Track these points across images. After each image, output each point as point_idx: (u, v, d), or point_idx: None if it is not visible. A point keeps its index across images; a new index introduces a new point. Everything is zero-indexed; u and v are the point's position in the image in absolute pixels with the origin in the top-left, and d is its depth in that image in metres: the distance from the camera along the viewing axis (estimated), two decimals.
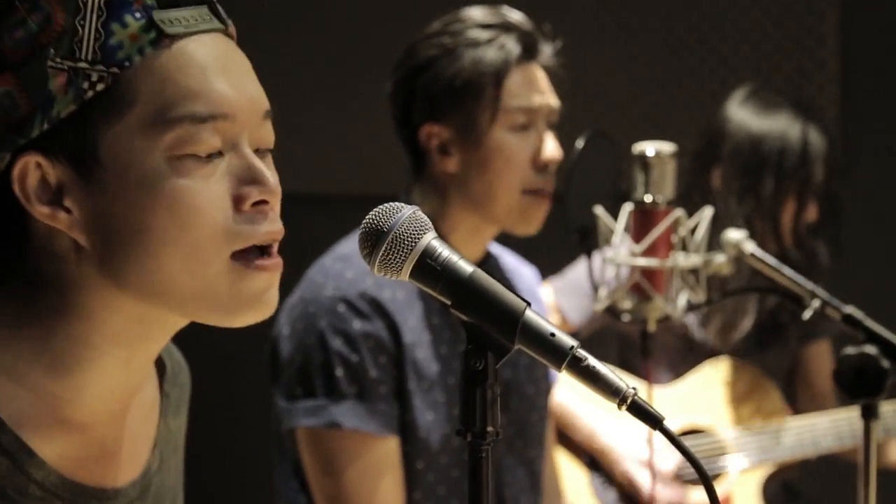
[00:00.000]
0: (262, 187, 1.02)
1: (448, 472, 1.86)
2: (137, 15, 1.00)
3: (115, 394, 1.08)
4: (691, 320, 2.56)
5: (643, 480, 2.35)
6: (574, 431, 2.42)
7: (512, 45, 1.84)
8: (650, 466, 1.64)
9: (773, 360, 2.59)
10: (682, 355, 2.58)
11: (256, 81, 1.06)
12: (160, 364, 1.19)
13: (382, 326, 1.81)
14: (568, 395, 2.42)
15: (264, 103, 1.06)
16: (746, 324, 2.51)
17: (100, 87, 0.99)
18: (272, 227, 1.03)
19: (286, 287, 1.89)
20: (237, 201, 1.02)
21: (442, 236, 2.02)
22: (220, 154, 1.02)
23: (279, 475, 1.93)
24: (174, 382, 1.22)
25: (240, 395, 3.33)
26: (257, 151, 1.05)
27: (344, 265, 1.85)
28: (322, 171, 3.96)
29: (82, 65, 0.99)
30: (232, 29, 1.07)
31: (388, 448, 1.81)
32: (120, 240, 1.01)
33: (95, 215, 1.01)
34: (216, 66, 1.02)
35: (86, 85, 0.99)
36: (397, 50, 1.95)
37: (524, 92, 1.85)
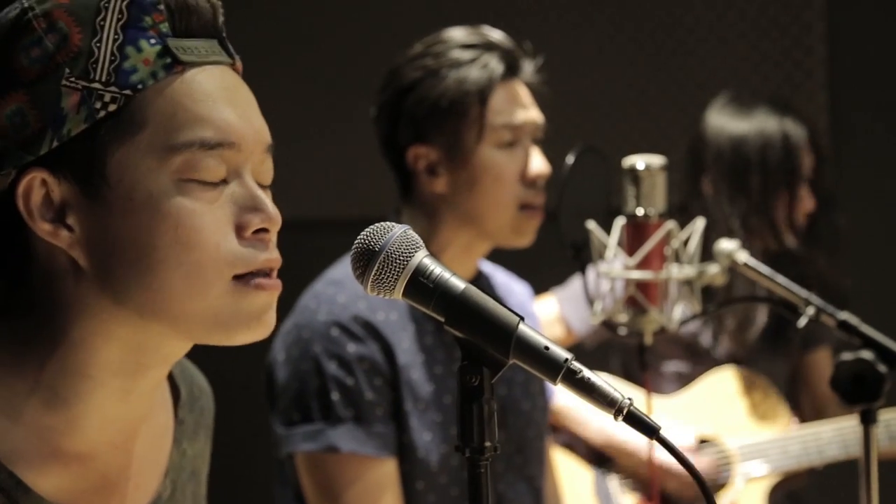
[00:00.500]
0: (264, 215, 1.05)
1: (448, 491, 1.86)
2: (153, 41, 1.03)
3: (116, 425, 1.08)
4: (697, 329, 2.56)
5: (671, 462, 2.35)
6: (585, 432, 2.42)
7: (494, 64, 1.85)
8: (653, 462, 1.65)
9: (777, 368, 2.59)
10: (691, 365, 2.58)
11: (261, 116, 1.09)
12: (176, 390, 1.20)
13: (377, 349, 1.81)
14: (574, 398, 2.41)
15: (268, 137, 1.08)
16: (759, 323, 2.52)
17: (112, 107, 1.01)
18: (271, 256, 1.06)
19: (284, 311, 1.90)
20: (239, 228, 1.04)
21: (433, 255, 2.03)
22: (224, 182, 1.04)
23: (281, 501, 1.93)
24: (191, 408, 1.22)
25: (240, 423, 3.33)
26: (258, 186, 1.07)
27: (336, 290, 1.85)
28: (310, 197, 3.96)
29: (96, 85, 1.01)
30: (239, 64, 1.10)
31: (387, 470, 1.81)
32: (123, 258, 1.02)
33: (98, 233, 1.02)
34: (225, 96, 1.05)
35: (98, 105, 1.01)
36: (383, 75, 1.96)
37: (508, 109, 1.86)
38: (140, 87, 1.02)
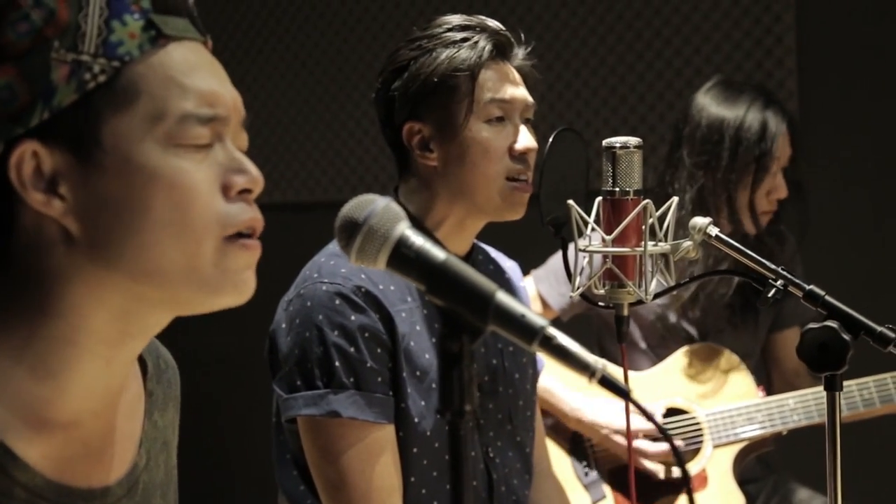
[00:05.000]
0: (248, 176, 1.04)
1: (441, 456, 1.84)
2: (136, 16, 1.02)
3: (97, 393, 1.06)
4: (665, 306, 2.55)
5: (640, 444, 2.35)
6: (559, 412, 2.41)
7: (485, 43, 1.83)
8: (628, 435, 1.64)
9: (743, 344, 2.58)
10: (660, 342, 2.56)
11: (234, 87, 1.08)
12: (143, 364, 1.18)
13: (377, 319, 1.78)
14: (553, 381, 2.41)
15: (243, 110, 1.08)
16: (723, 299, 2.51)
17: (101, 78, 1.00)
18: (256, 215, 1.05)
19: (280, 288, 1.88)
20: (225, 188, 1.03)
21: (429, 231, 1.99)
22: (210, 145, 1.03)
23: (280, 465, 1.90)
24: (158, 380, 1.20)
25: (242, 390, 3.31)
26: None
27: (338, 261, 1.83)
28: (310, 182, 3.96)
29: (85, 58, 1.00)
30: (209, 43, 1.09)
31: (385, 435, 1.78)
32: (117, 220, 1.00)
33: (92, 200, 1.00)
34: (207, 69, 1.05)
35: (87, 76, 0.99)
36: (379, 68, 1.94)
37: (497, 86, 1.83)
38: (127, 58, 1.00)
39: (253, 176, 1.04)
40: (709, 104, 2.49)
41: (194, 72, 1.03)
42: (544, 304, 2.57)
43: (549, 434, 2.41)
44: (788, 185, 2.50)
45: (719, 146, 2.44)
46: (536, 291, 2.56)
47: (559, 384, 2.41)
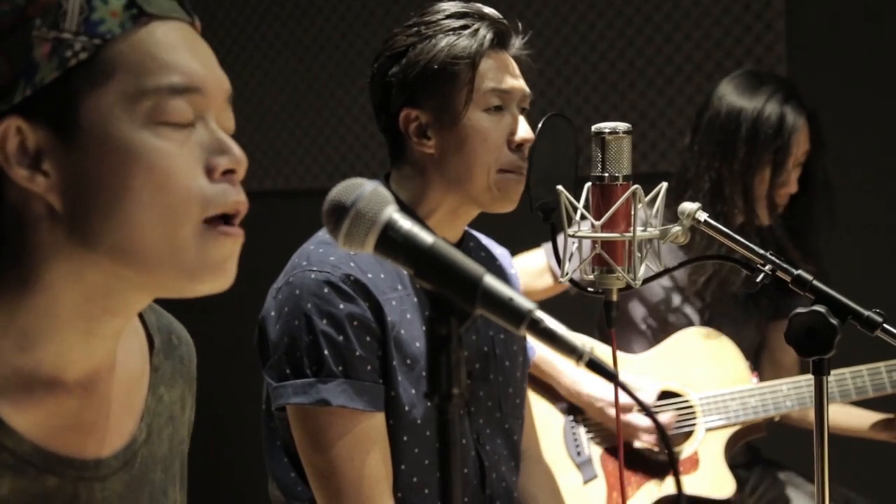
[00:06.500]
0: (231, 157, 1.04)
1: (433, 444, 1.84)
2: None
3: (78, 365, 1.07)
4: (668, 289, 2.55)
5: (633, 419, 2.35)
6: (557, 384, 2.42)
7: (485, 32, 1.83)
8: (617, 407, 1.64)
9: (744, 335, 2.58)
10: (661, 324, 2.57)
11: (220, 67, 1.08)
12: (150, 340, 1.19)
13: (366, 307, 1.78)
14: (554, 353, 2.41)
15: (228, 85, 1.08)
16: (727, 284, 2.51)
17: (82, 55, 1.00)
18: (239, 198, 1.04)
19: (269, 276, 1.88)
20: (208, 170, 1.03)
21: (422, 218, 1.99)
22: (191, 125, 1.03)
23: (270, 453, 1.90)
24: (167, 355, 1.21)
25: (232, 378, 3.31)
26: None
27: (326, 249, 1.83)
28: (300, 170, 3.96)
29: (66, 35, 1.00)
30: (198, 24, 1.09)
31: (375, 423, 1.78)
32: (97, 200, 1.00)
33: (74, 178, 1.00)
34: (187, 46, 1.04)
35: (69, 53, 1.00)
36: (371, 56, 1.93)
37: (497, 75, 1.83)
38: (108, 36, 1.01)
39: (236, 156, 1.04)
40: (729, 93, 2.48)
41: (175, 49, 1.03)
42: (554, 277, 2.57)
43: (546, 397, 2.42)
44: (815, 183, 2.49)
45: (735, 136, 2.44)
46: (546, 264, 2.56)
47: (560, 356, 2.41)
